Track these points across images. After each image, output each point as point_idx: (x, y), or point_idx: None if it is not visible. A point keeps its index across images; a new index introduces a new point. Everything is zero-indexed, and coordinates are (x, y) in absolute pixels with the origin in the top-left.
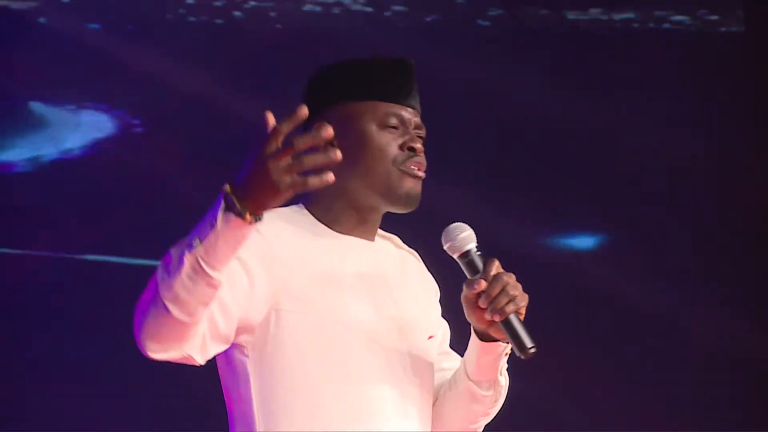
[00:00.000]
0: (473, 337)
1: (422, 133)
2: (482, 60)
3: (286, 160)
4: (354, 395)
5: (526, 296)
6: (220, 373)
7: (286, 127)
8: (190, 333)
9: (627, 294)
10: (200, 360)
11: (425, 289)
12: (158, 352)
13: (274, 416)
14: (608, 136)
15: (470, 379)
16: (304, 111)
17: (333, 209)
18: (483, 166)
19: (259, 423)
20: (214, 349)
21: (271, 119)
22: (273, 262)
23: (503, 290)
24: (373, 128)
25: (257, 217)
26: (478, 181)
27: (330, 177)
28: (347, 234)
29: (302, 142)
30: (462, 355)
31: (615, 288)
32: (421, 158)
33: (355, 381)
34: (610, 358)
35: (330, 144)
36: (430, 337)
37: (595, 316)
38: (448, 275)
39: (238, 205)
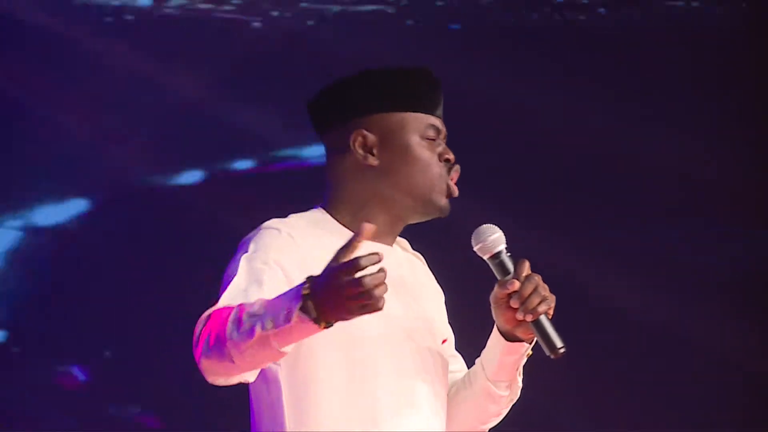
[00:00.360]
0: (497, 338)
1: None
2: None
3: (360, 291)
4: (392, 393)
5: (554, 297)
6: None
7: (367, 263)
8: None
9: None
10: (253, 379)
11: (435, 292)
12: (219, 382)
13: (306, 417)
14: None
15: (488, 380)
16: (380, 256)
17: (361, 215)
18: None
19: (290, 425)
20: None
21: (368, 230)
22: (309, 270)
23: (535, 290)
24: (416, 140)
25: (329, 324)
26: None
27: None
28: (370, 239)
29: (378, 281)
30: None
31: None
32: (457, 167)
33: (392, 380)
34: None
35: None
36: (444, 341)
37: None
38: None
39: (314, 313)
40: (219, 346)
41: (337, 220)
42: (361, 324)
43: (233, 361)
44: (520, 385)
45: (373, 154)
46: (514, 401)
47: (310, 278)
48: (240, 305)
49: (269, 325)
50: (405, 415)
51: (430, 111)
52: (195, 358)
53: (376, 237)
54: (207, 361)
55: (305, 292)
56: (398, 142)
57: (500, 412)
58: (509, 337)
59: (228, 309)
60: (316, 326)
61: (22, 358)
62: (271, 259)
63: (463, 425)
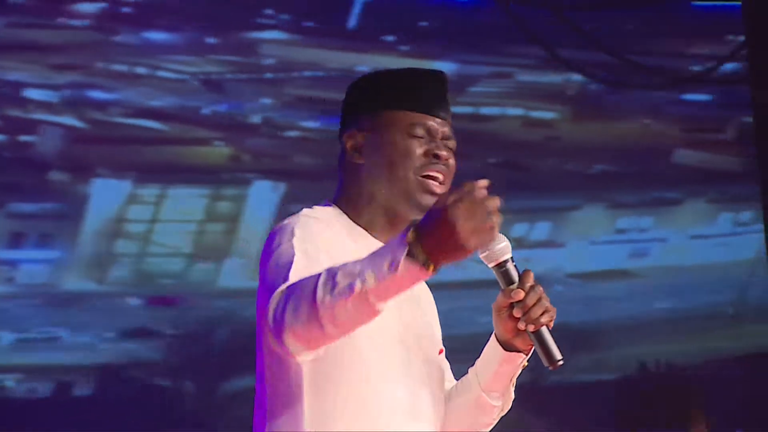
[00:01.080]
0: (495, 347)
1: (451, 144)
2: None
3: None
4: (403, 395)
5: (555, 309)
6: (262, 365)
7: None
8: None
9: None
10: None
11: (431, 301)
12: (296, 351)
13: (325, 408)
14: None
15: (482, 389)
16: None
17: (365, 213)
18: None
19: (308, 414)
20: None
21: None
22: (335, 261)
23: (539, 301)
24: (399, 137)
25: (437, 269)
26: None
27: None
28: (380, 239)
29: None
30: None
31: None
32: (443, 166)
33: (404, 383)
34: None
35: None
36: (441, 351)
37: None
38: None
39: (422, 257)
40: (309, 313)
41: (349, 217)
42: (380, 323)
43: (323, 327)
44: (512, 396)
45: (360, 153)
46: (505, 413)
47: (413, 222)
48: (327, 269)
49: (370, 279)
50: (406, 423)
51: (423, 110)
52: (275, 335)
53: (379, 234)
54: (292, 333)
55: (410, 239)
56: (381, 140)
57: (491, 423)
58: (507, 346)
59: (304, 279)
60: (424, 270)
61: None
62: (319, 243)
63: None
